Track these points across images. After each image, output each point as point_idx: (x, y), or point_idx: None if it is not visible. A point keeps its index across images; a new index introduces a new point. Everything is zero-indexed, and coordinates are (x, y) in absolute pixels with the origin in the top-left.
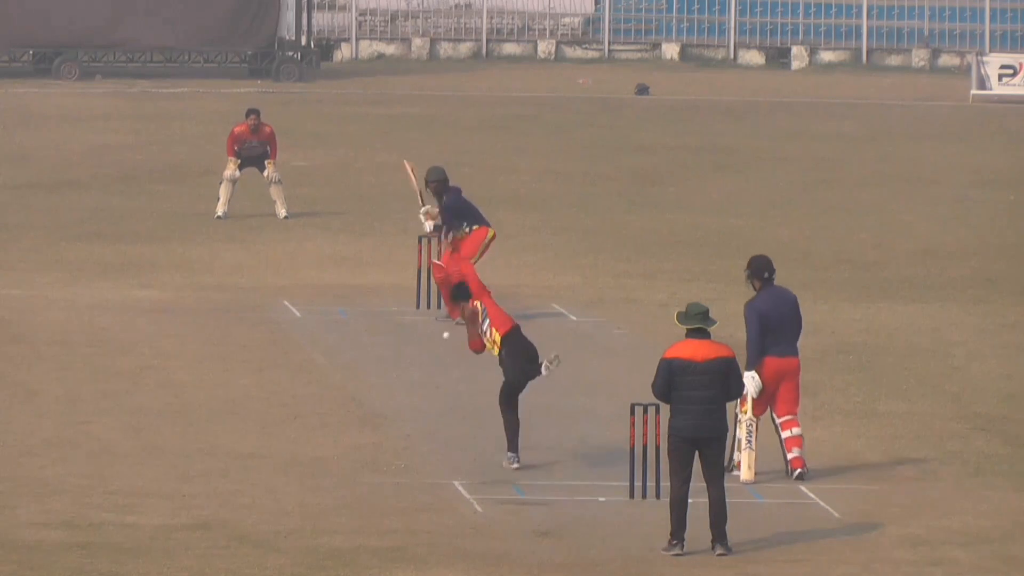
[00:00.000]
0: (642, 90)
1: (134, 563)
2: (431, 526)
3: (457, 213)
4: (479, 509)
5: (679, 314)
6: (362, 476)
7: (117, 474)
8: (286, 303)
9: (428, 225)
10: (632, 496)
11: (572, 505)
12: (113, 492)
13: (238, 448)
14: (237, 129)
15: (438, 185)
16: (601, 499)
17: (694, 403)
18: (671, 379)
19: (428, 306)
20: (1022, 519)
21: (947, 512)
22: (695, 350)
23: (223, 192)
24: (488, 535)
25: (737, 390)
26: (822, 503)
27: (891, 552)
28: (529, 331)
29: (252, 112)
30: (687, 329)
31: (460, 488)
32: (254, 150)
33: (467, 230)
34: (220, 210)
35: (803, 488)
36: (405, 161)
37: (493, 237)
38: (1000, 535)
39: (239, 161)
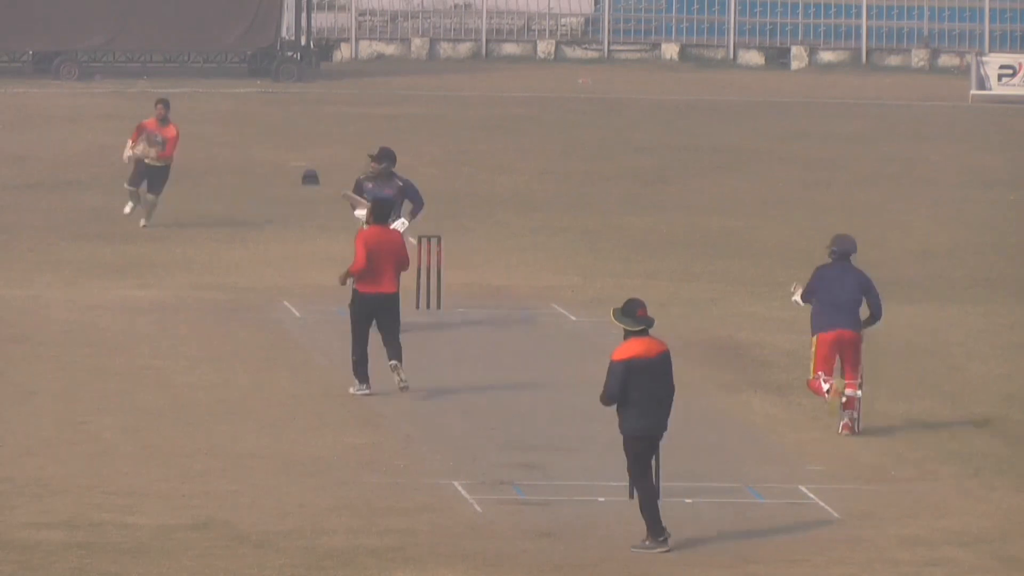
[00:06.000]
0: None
1: (134, 563)
2: (431, 526)
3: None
4: (479, 509)
5: (615, 311)
6: (362, 476)
7: (117, 474)
8: (286, 303)
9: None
10: (632, 496)
11: (572, 505)
12: (113, 492)
13: (238, 448)
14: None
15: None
16: (601, 499)
17: (652, 400)
18: (628, 380)
19: (428, 306)
20: (1022, 519)
21: (946, 512)
22: (647, 347)
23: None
24: (488, 535)
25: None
26: (822, 503)
27: (891, 552)
28: (529, 331)
29: None
30: (627, 329)
31: (460, 488)
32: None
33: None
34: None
35: (803, 488)
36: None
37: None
38: (1000, 535)
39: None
